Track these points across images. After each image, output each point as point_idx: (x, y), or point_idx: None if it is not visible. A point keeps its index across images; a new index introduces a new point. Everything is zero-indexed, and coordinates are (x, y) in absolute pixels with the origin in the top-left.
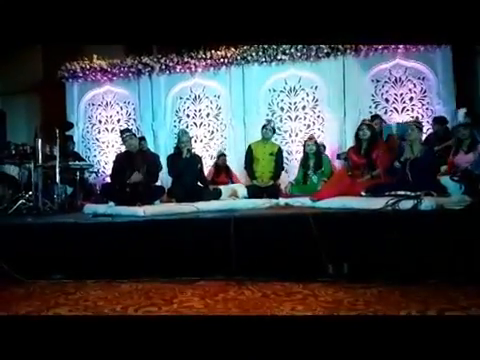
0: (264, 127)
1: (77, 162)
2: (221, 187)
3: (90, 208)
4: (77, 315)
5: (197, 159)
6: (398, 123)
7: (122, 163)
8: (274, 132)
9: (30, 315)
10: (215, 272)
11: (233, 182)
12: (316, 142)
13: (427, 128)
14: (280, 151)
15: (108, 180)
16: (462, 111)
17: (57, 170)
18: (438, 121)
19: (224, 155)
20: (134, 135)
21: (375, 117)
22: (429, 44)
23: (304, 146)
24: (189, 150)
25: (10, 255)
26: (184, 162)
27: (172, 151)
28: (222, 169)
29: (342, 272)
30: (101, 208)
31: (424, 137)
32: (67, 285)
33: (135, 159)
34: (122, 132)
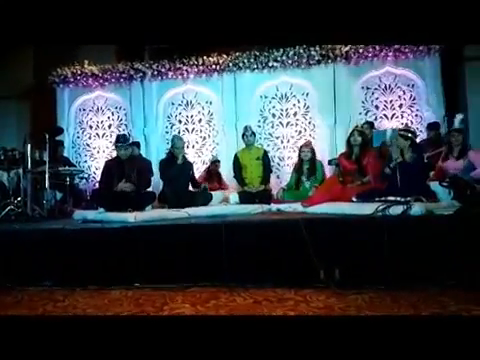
0: (244, 135)
1: (67, 168)
2: (212, 193)
3: (80, 214)
4: (66, 315)
5: (189, 166)
6: (393, 129)
7: (112, 169)
8: (254, 135)
9: (18, 316)
10: (206, 278)
11: (223, 190)
12: (312, 149)
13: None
14: (266, 154)
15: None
16: (459, 117)
17: (47, 176)
18: (431, 127)
19: (218, 161)
20: (128, 145)
21: (367, 124)
22: (420, 45)
23: (299, 152)
24: (184, 156)
25: None
26: (178, 168)
27: (164, 156)
28: (214, 175)
29: (334, 278)
30: (91, 214)
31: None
32: (56, 292)
33: (125, 165)
34: (117, 140)
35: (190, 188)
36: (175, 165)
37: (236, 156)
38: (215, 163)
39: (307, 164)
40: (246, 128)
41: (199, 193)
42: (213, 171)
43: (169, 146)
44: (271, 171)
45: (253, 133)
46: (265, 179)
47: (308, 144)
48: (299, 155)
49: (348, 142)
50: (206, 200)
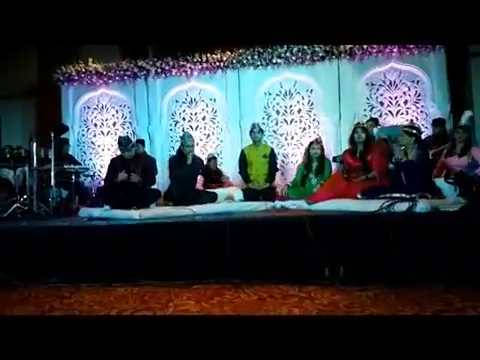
0: (251, 132)
1: (72, 165)
2: (217, 190)
3: (85, 212)
4: (72, 315)
5: (198, 165)
6: (381, 127)
7: (117, 167)
8: (262, 132)
9: (24, 316)
10: (211, 275)
11: (223, 185)
12: (322, 146)
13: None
14: (273, 152)
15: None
16: (468, 114)
17: (52, 173)
18: (436, 123)
19: (214, 158)
20: (131, 147)
21: (372, 120)
22: (424, 44)
23: (308, 149)
24: (193, 155)
25: (4, 259)
26: (188, 168)
27: (168, 155)
28: (213, 172)
29: (338, 275)
30: (96, 212)
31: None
32: (62, 289)
33: (130, 163)
34: (119, 143)
35: (197, 186)
36: (184, 165)
37: (243, 152)
38: (212, 160)
39: (316, 161)
40: (254, 125)
41: (205, 193)
42: (211, 168)
43: (173, 143)
44: (277, 169)
45: (261, 130)
46: (270, 177)
47: (319, 141)
48: (308, 152)
49: (352, 139)
50: (212, 200)
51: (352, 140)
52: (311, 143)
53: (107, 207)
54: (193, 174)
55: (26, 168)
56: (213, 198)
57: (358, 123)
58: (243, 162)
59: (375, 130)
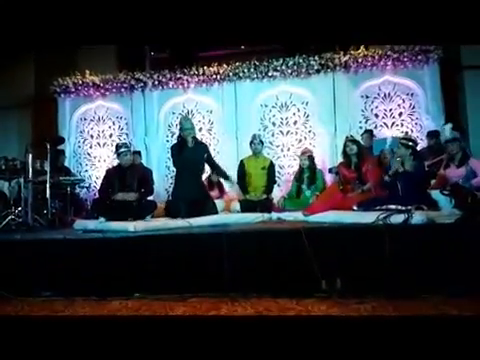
0: (252, 143)
1: (68, 177)
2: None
3: (80, 224)
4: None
5: (202, 149)
6: (393, 137)
7: (113, 178)
8: (262, 144)
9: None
10: (207, 288)
11: (223, 197)
12: (310, 156)
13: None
14: (272, 165)
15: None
16: (448, 126)
17: (47, 185)
18: (431, 135)
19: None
20: (129, 151)
21: (367, 132)
22: (419, 44)
23: (299, 160)
24: (194, 138)
25: None
26: (190, 151)
27: (165, 166)
28: (214, 184)
29: (335, 287)
30: (91, 224)
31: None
32: (56, 302)
33: (126, 174)
34: (118, 147)
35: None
36: (186, 149)
37: (242, 162)
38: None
39: (307, 172)
40: (254, 136)
41: (210, 199)
42: (213, 180)
43: (169, 155)
44: (275, 182)
45: (261, 142)
46: (268, 189)
47: (305, 152)
48: (299, 163)
49: (344, 152)
50: (213, 212)
51: (345, 153)
52: (300, 155)
53: (102, 219)
54: (198, 158)
55: (21, 180)
56: (214, 212)
57: (347, 137)
58: (241, 172)
59: (389, 140)
